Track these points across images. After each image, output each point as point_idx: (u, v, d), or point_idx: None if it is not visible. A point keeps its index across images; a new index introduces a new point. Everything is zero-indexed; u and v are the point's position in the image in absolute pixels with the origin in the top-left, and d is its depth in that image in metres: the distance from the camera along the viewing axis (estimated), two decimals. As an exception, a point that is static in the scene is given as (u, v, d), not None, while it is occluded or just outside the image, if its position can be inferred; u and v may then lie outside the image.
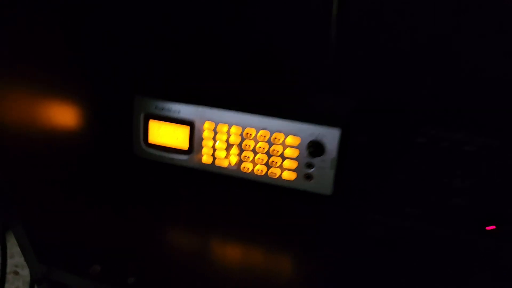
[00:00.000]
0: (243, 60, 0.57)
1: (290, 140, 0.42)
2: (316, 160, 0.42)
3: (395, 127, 0.51)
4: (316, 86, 0.55)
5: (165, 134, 0.46)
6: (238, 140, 0.44)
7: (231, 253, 0.39)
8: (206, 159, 0.45)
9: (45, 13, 0.36)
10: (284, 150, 0.42)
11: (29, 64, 0.36)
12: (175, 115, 0.45)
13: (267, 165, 0.44)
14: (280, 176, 0.43)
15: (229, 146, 0.44)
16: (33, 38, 0.36)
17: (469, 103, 0.51)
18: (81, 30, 0.41)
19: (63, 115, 0.41)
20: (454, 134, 0.50)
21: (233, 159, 0.45)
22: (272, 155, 0.43)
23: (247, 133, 0.43)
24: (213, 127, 0.44)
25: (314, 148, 0.41)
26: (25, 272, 0.76)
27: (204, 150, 0.45)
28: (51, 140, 0.39)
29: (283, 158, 0.43)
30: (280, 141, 0.42)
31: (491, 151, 0.48)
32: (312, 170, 0.42)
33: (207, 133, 0.45)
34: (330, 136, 0.41)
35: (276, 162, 0.43)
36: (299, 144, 0.42)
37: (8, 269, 0.73)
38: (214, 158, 0.45)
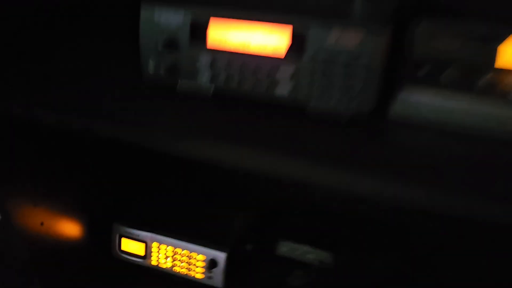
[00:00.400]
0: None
1: (200, 257, 0.75)
2: (214, 269, 0.74)
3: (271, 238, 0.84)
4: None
5: (130, 246, 0.79)
6: (172, 254, 0.76)
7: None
8: (153, 263, 0.78)
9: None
10: (197, 262, 0.75)
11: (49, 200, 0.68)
12: (136, 236, 0.78)
13: (187, 269, 0.76)
14: (194, 276, 0.76)
15: (166, 257, 0.77)
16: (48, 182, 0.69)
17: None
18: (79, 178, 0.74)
19: (73, 231, 0.74)
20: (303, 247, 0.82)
21: (169, 265, 0.77)
22: (190, 264, 0.76)
23: (177, 251, 0.76)
24: (157, 245, 0.77)
25: (212, 263, 0.74)
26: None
27: (152, 258, 0.78)
28: (64, 243, 0.72)
29: (196, 266, 0.75)
30: (195, 257, 0.75)
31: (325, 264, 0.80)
32: (212, 273, 0.75)
33: (154, 249, 0.77)
34: (221, 257, 0.73)
35: (192, 268, 0.76)
36: (205, 259, 0.74)
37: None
38: (158, 263, 0.78)
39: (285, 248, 0.81)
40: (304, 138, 0.43)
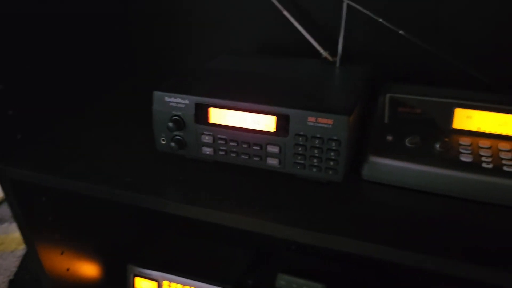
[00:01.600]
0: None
1: (206, 293, 0.84)
2: (219, 303, 0.83)
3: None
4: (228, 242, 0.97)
5: (144, 285, 0.88)
6: (181, 291, 0.86)
7: None
8: (165, 299, 0.87)
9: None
10: (203, 297, 0.84)
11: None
12: (149, 276, 0.87)
13: (196, 304, 0.85)
14: (201, 311, 0.85)
15: (176, 294, 0.86)
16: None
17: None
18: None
19: (93, 273, 0.83)
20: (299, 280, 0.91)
21: (179, 301, 0.86)
22: (198, 300, 0.85)
23: (185, 288, 0.85)
24: (168, 283, 0.86)
25: (217, 299, 0.83)
26: None
27: (164, 295, 0.87)
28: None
29: (203, 302, 0.84)
30: (202, 293, 0.84)
31: None
32: (217, 307, 0.84)
33: (165, 287, 0.86)
34: (224, 293, 0.83)
35: (200, 304, 0.85)
36: (211, 295, 0.84)
37: None
38: (169, 299, 0.87)
39: (283, 281, 0.90)
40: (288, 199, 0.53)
